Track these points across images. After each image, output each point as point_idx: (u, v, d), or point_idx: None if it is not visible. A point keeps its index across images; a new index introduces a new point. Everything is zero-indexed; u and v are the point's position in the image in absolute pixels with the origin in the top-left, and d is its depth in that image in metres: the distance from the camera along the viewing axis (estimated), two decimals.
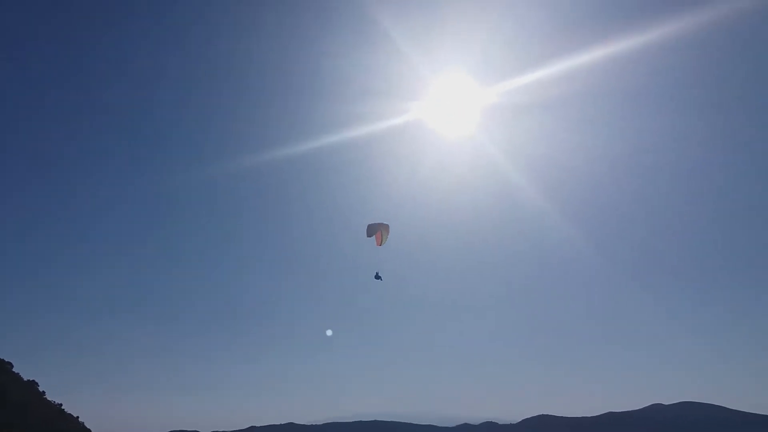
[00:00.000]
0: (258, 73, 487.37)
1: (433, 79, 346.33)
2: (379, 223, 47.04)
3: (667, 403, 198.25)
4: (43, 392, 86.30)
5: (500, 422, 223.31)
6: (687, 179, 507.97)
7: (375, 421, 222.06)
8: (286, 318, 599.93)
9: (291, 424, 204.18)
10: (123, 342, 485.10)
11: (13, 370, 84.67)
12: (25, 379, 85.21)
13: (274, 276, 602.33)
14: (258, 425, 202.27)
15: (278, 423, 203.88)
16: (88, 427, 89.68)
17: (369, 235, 47.24)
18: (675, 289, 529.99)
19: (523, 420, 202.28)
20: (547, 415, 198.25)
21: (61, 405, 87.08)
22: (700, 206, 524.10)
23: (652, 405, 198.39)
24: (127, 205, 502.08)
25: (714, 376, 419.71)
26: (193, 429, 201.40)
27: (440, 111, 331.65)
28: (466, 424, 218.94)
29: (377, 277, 46.81)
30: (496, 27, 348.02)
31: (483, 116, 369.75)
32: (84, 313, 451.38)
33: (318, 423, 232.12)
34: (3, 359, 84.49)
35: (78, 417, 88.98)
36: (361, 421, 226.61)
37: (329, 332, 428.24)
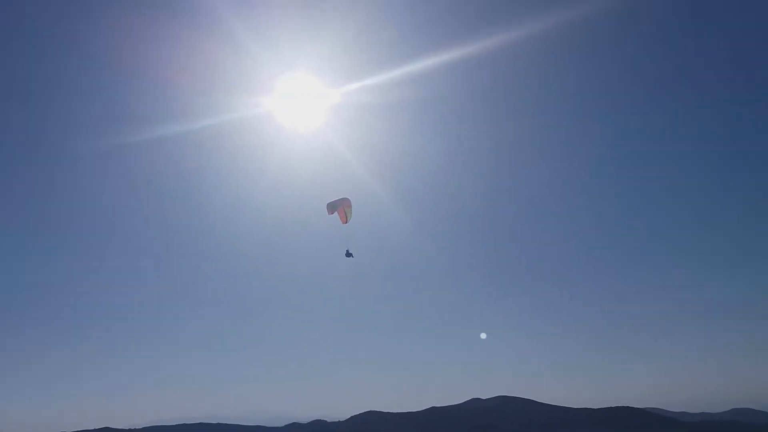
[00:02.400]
0: (97, 62, 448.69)
1: (280, 77, 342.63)
2: (340, 199, 44.09)
3: (484, 398, 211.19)
4: None
5: (329, 420, 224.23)
6: (528, 182, 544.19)
7: (200, 423, 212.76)
8: (101, 314, 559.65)
9: (106, 429, 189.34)
10: None
11: None
12: None
13: (92, 271, 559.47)
14: (69, 431, 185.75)
15: (92, 428, 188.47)
16: None
17: (330, 212, 44.23)
18: (498, 286, 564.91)
19: (351, 417, 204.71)
20: (374, 411, 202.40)
21: None
22: (536, 208, 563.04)
23: (471, 399, 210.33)
24: None
25: (527, 372, 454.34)
26: None
27: (288, 108, 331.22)
28: (294, 423, 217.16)
29: (348, 254, 44.66)
30: (339, 30, 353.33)
31: (330, 114, 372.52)
32: None
33: (137, 427, 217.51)
34: None
35: None
36: (185, 424, 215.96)
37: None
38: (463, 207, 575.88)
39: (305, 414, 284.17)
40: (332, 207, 45.29)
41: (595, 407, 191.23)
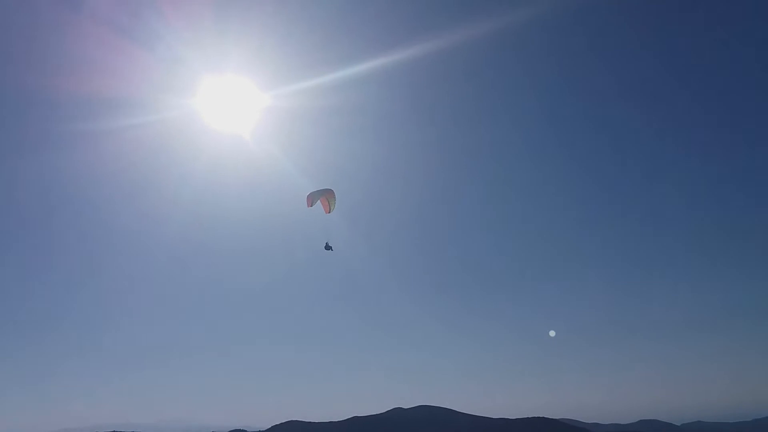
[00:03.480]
0: (15, 60, 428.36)
1: (205, 78, 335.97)
2: (322, 190, 42.92)
3: (406, 407, 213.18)
4: None
5: (249, 429, 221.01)
6: (460, 187, 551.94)
7: None
8: (7, 319, 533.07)
9: None
10: None
11: None
12: None
13: None
14: None
15: None
16: None
17: (310, 204, 42.97)
18: (424, 295, 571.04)
19: (272, 426, 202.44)
20: (296, 420, 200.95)
21: None
22: (467, 214, 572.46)
23: (394, 409, 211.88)
24: None
25: (449, 382, 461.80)
26: None
27: (217, 109, 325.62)
28: None
29: (327, 247, 43.28)
30: (267, 33, 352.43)
31: (260, 117, 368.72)
32: None
33: None
34: None
35: None
36: None
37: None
38: (395, 211, 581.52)
39: (225, 423, 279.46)
40: (313, 198, 44.33)
41: (512, 417, 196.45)
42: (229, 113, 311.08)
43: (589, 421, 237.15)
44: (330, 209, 45.63)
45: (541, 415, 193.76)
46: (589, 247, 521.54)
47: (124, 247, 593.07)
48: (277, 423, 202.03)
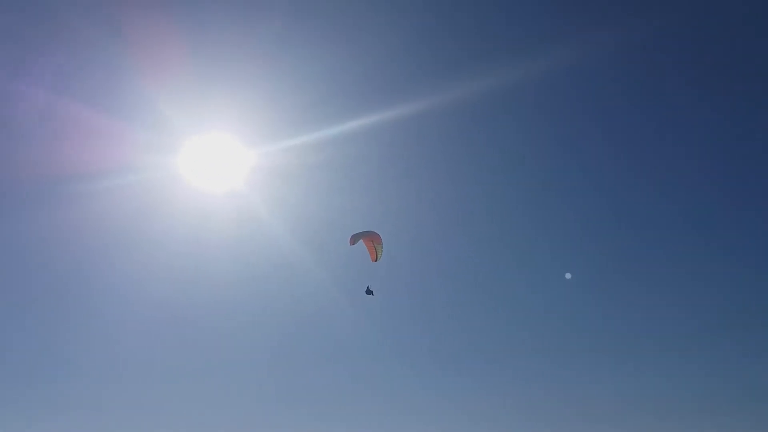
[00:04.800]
0: None
1: (192, 137, 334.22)
2: (366, 231, 39.16)
3: None
4: None
5: None
6: (451, 247, 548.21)
7: None
8: None
9: None
10: None
11: None
12: None
13: None
14: None
15: None
16: None
17: (352, 242, 39.20)
18: (417, 361, 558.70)
19: None
20: None
21: None
22: (460, 276, 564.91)
23: None
24: None
25: None
26: None
27: (199, 169, 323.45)
28: None
29: (368, 292, 40.49)
30: (257, 90, 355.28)
31: (248, 175, 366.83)
32: None
33: None
34: None
35: None
36: None
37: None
38: (386, 269, 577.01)
39: None
40: (355, 238, 38.52)
41: None
42: (215, 171, 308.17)
43: None
44: (377, 256, 42.00)
45: None
46: (596, 319, 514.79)
47: (109, 310, 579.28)
48: None
